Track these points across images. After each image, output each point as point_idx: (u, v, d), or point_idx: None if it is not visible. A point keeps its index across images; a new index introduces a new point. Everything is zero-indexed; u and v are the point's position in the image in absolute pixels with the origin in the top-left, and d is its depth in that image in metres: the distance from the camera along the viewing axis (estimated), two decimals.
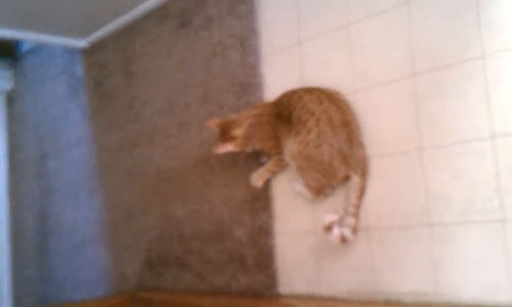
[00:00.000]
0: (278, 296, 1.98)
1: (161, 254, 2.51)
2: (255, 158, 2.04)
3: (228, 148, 1.89)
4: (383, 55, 1.71)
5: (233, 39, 2.20)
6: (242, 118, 1.90)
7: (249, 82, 2.11)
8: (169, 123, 2.48)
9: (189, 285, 2.35)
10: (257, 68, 2.10)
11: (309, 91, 1.79)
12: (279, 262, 1.99)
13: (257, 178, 1.98)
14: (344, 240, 1.68)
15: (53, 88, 3.31)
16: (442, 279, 1.53)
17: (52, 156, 3.28)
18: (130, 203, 2.71)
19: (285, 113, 1.80)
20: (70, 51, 3.14)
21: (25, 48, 3.62)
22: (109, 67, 2.89)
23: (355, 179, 1.69)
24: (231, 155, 2.04)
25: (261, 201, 2.05)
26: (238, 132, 1.87)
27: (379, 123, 1.70)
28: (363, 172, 1.69)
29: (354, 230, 1.69)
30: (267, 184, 2.00)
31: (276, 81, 2.02)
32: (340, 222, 1.70)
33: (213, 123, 1.94)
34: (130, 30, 2.74)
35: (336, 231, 1.68)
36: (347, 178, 1.72)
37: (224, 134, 1.89)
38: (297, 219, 1.93)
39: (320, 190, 1.78)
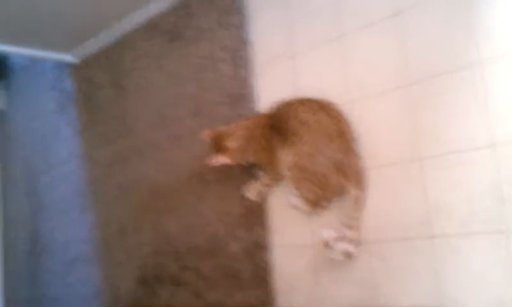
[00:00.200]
0: None
1: (155, 271, 2.46)
2: (249, 172, 1.99)
3: (222, 159, 1.85)
4: (377, 66, 1.68)
5: (224, 51, 2.16)
6: (236, 129, 1.86)
7: (241, 93, 2.08)
8: (161, 137, 2.44)
9: (184, 302, 2.29)
10: (249, 80, 2.06)
11: (303, 101, 1.75)
12: (275, 277, 1.94)
13: (252, 192, 1.94)
14: (348, 255, 1.64)
15: (43, 104, 3.27)
16: (445, 292, 1.49)
17: (42, 173, 3.23)
18: (123, 218, 2.66)
19: (279, 124, 1.77)
20: (60, 67, 3.10)
21: (15, 65, 3.58)
22: (99, 82, 2.85)
23: (352, 190, 1.65)
24: (225, 168, 2.00)
25: (256, 214, 2.00)
26: (231, 143, 1.83)
27: (375, 133, 1.67)
28: (360, 182, 1.65)
29: (356, 243, 1.65)
30: (262, 197, 1.96)
31: (269, 92, 1.99)
32: (341, 237, 1.65)
33: (206, 135, 1.90)
34: (120, 44, 2.71)
35: (339, 246, 1.63)
36: (343, 189, 1.68)
37: (218, 146, 1.85)
38: (294, 233, 1.88)
39: (316, 203, 1.74)
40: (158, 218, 2.46)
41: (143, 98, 2.56)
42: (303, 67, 1.89)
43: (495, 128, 1.42)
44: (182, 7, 2.37)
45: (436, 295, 1.50)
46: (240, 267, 2.07)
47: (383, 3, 1.67)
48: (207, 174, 2.21)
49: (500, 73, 1.42)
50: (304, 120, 1.69)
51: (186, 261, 2.29)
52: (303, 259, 1.85)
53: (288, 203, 1.85)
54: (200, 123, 2.24)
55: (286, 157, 1.74)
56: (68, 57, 2.95)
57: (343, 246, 1.63)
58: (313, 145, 1.66)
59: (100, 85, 2.84)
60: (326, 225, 1.70)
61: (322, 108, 1.70)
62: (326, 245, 1.64)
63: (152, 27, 2.51)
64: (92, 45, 2.83)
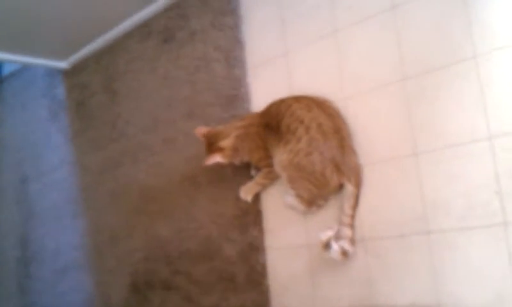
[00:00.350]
0: None
1: (147, 276, 2.41)
2: (243, 172, 1.97)
3: (216, 159, 1.82)
4: (372, 61, 1.67)
5: (218, 52, 2.15)
6: (230, 129, 1.85)
7: (235, 94, 2.06)
8: (154, 140, 2.41)
9: None
10: (243, 80, 2.05)
11: (297, 99, 1.74)
12: (271, 279, 1.91)
13: (247, 192, 1.92)
14: (345, 254, 1.61)
15: (34, 111, 3.23)
16: (443, 289, 1.47)
17: (33, 180, 3.18)
18: (114, 225, 2.61)
19: (274, 123, 1.75)
20: (51, 73, 3.07)
21: (5, 72, 3.54)
22: (91, 87, 2.82)
23: (349, 188, 1.63)
24: (218, 170, 1.98)
25: (251, 215, 1.97)
26: (225, 143, 1.81)
27: (371, 129, 1.65)
28: (357, 180, 1.63)
29: (353, 242, 1.63)
30: (257, 198, 1.94)
31: (263, 92, 1.98)
32: (337, 236, 1.62)
33: (200, 132, 1.87)
34: (112, 48, 2.69)
35: (335, 246, 1.60)
36: (340, 188, 1.66)
37: (212, 145, 1.83)
38: (289, 233, 1.86)
39: (312, 202, 1.72)
40: (150, 222, 2.41)
41: (135, 101, 2.53)
42: (298, 65, 1.88)
43: (491, 121, 1.41)
44: (174, 9, 2.35)
45: (434, 291, 1.48)
46: (234, 270, 2.03)
47: None
48: (199, 177, 2.18)
49: (495, 67, 1.41)
50: (300, 118, 1.66)
51: (179, 266, 2.25)
52: (298, 260, 1.82)
53: (284, 203, 1.82)
54: (193, 125, 2.17)
55: (281, 156, 1.72)
56: (59, 64, 2.92)
57: (340, 245, 1.61)
58: (308, 142, 1.64)
59: (92, 90, 2.81)
60: (322, 227, 1.67)
61: (317, 105, 1.68)
62: (325, 247, 1.61)
63: (145, 30, 2.50)
64: (84, 51, 2.80)
